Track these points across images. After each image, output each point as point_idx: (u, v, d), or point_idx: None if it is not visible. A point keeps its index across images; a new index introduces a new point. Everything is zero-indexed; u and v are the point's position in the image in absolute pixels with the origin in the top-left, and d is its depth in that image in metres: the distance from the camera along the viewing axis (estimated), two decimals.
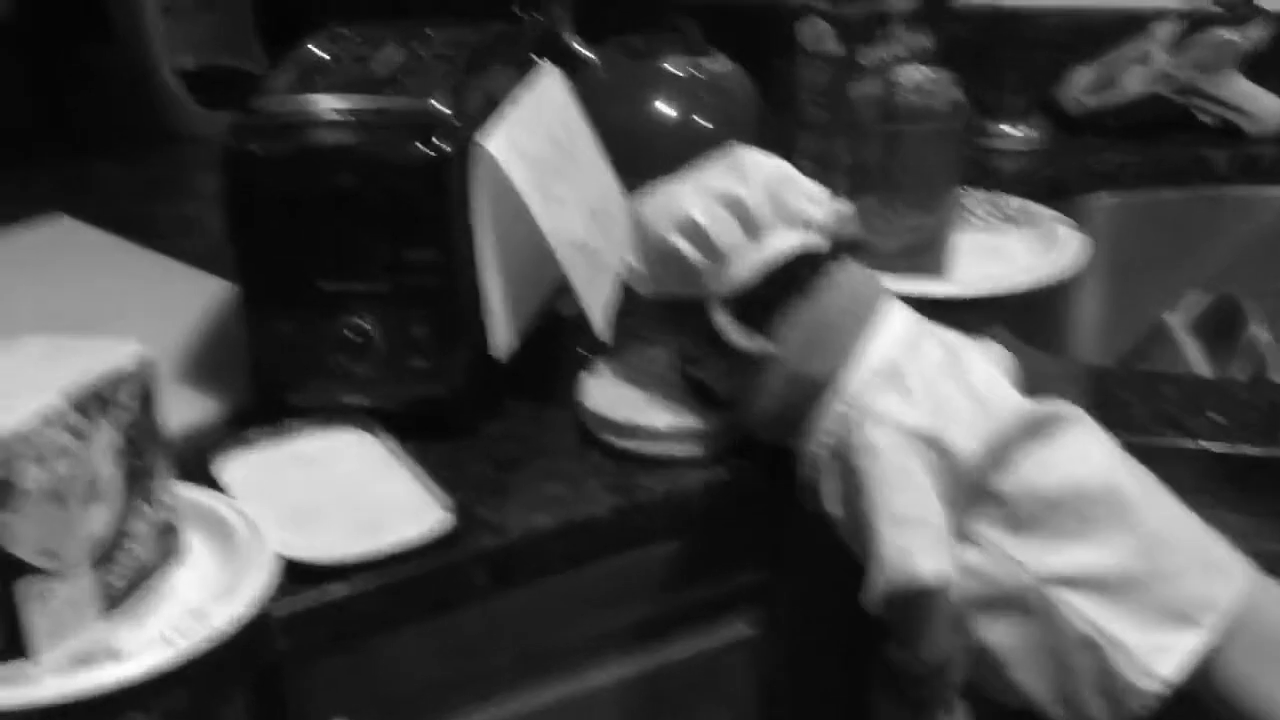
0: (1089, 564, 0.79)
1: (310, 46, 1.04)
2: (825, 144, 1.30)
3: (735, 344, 0.87)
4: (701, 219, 0.90)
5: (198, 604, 0.79)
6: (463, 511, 0.89)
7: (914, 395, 0.83)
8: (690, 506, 0.94)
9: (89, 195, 1.37)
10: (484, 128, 0.94)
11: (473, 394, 0.97)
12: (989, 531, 0.81)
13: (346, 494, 0.91)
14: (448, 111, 0.94)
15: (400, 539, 0.86)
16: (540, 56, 1.09)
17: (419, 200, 0.93)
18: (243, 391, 0.99)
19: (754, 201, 0.90)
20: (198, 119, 1.50)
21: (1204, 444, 0.96)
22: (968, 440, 0.81)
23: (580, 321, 1.06)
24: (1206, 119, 1.44)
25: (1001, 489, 0.80)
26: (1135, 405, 1.00)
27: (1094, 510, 0.79)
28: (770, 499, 0.96)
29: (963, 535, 0.81)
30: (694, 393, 0.94)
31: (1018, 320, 1.11)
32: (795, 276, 0.88)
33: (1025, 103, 1.46)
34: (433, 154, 0.92)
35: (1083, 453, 0.81)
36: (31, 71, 1.60)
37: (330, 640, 0.85)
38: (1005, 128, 1.44)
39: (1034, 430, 0.81)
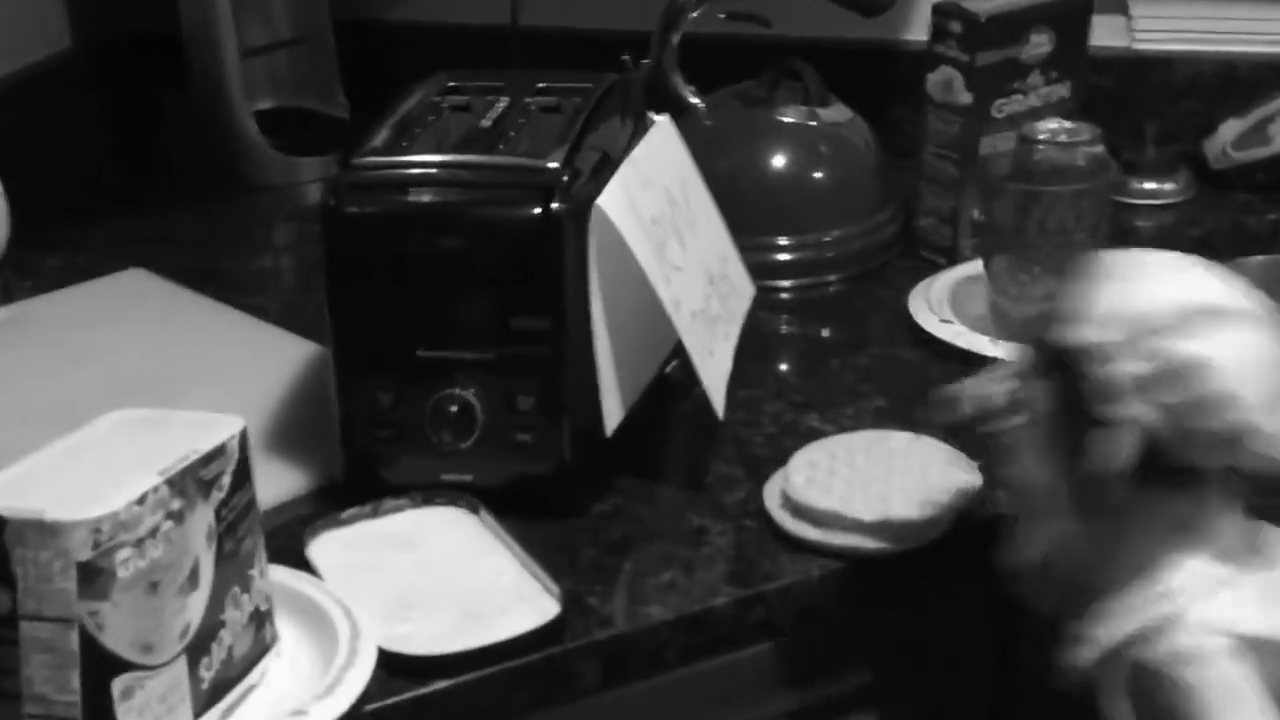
0: None
1: (410, 96, 1.05)
2: (952, 202, 1.29)
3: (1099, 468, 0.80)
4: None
5: (296, 702, 0.79)
6: (570, 600, 0.89)
7: (1245, 600, 0.82)
8: (816, 599, 0.93)
9: (164, 246, 1.39)
10: (598, 186, 0.95)
11: (580, 471, 0.97)
12: None
13: (446, 579, 0.91)
14: (560, 168, 0.94)
15: (506, 630, 0.86)
16: (652, 108, 1.09)
17: (529, 263, 0.93)
18: (332, 464, 1.00)
19: None
20: (276, 166, 1.52)
21: None
22: None
23: (689, 386, 1.07)
24: None
25: None
26: None
27: None
28: (907, 595, 0.95)
29: None
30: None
31: None
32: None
33: (1170, 157, 1.44)
34: (545, 214, 0.92)
35: None
36: (105, 118, 1.63)
37: None
38: (1148, 184, 1.42)
39: None
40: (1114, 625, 0.84)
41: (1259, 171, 1.43)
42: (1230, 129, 1.43)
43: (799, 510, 0.95)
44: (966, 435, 0.90)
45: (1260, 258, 1.38)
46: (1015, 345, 0.88)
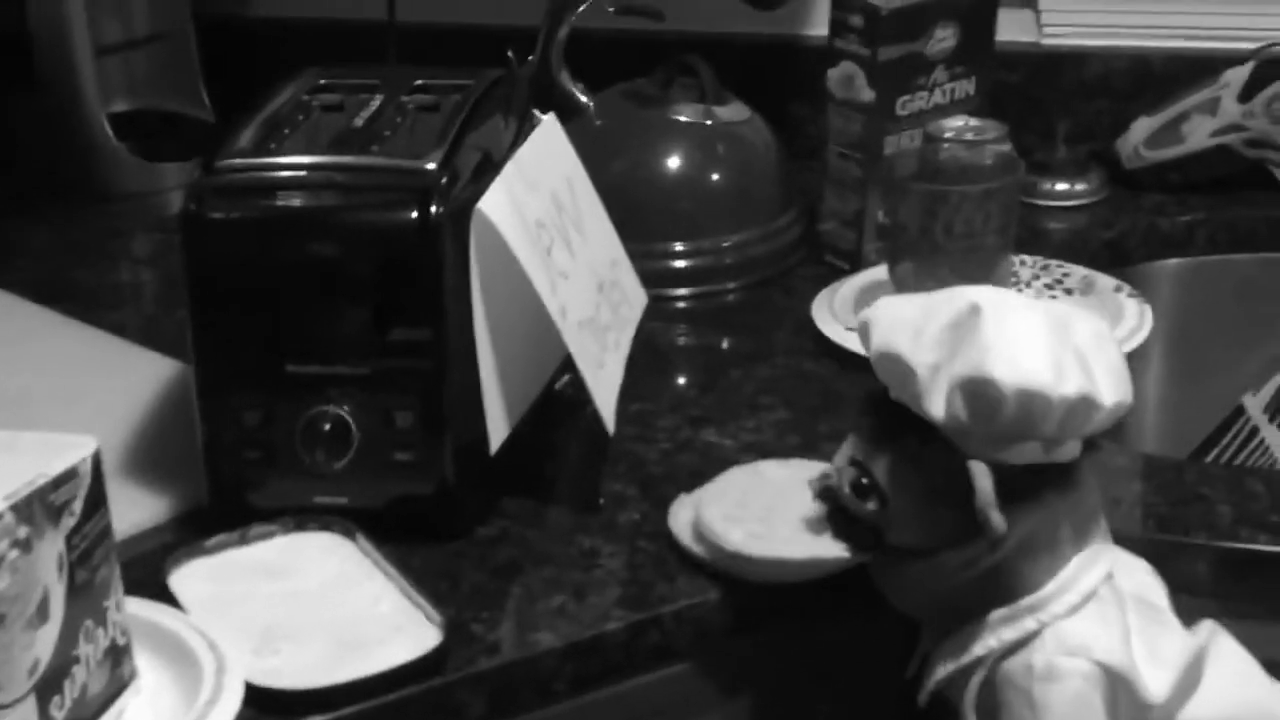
0: None
1: (279, 94, 1.05)
2: (856, 204, 1.31)
3: (983, 510, 0.83)
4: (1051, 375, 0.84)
5: None
6: (453, 628, 0.89)
7: (1110, 627, 0.86)
8: (714, 625, 0.94)
9: (11, 259, 1.37)
10: (479, 188, 0.95)
11: (463, 491, 0.98)
12: None
13: (320, 609, 0.91)
14: (438, 170, 0.94)
15: (384, 662, 0.86)
16: (538, 106, 1.10)
17: (406, 271, 0.93)
18: (196, 489, 0.99)
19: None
20: (133, 172, 1.50)
21: None
22: (1155, 680, 0.84)
23: (578, 402, 1.07)
24: None
25: None
26: (1219, 505, 1.01)
27: None
28: (811, 616, 0.97)
29: None
30: (833, 523, 0.91)
31: None
32: (1056, 469, 0.87)
33: (1081, 156, 1.47)
34: (422, 218, 0.92)
35: (1238, 674, 0.87)
36: None
37: None
38: (1059, 185, 1.45)
39: (1201, 663, 0.86)
40: (975, 640, 0.87)
41: (1172, 171, 1.46)
42: (1143, 127, 1.46)
43: (709, 546, 0.95)
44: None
45: (1174, 261, 1.41)
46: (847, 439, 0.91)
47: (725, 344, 1.26)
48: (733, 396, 1.16)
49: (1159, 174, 1.47)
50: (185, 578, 0.93)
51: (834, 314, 1.23)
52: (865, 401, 0.91)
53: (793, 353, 1.22)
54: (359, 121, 1.01)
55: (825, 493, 0.91)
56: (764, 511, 0.95)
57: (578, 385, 1.03)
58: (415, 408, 0.95)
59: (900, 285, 1.22)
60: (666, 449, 1.09)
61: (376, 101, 1.04)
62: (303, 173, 0.96)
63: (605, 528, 1.00)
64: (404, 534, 0.96)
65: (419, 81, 1.06)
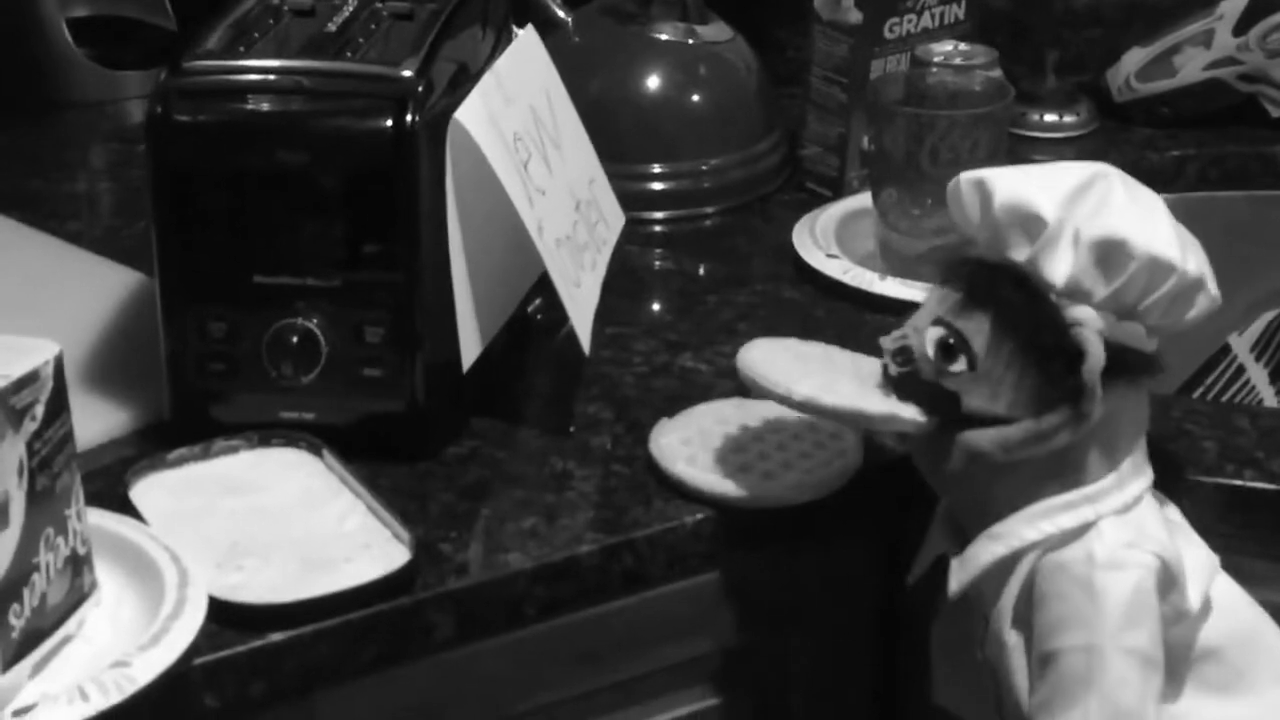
0: None
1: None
2: (840, 129, 1.32)
3: (1090, 376, 0.83)
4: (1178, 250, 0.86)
5: (118, 654, 0.79)
6: (422, 547, 0.89)
7: (1160, 529, 0.88)
8: (688, 551, 0.95)
9: None
10: (456, 99, 0.95)
11: (434, 409, 0.98)
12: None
13: (285, 525, 0.91)
14: (414, 78, 0.94)
15: (350, 579, 0.86)
16: (516, 20, 1.10)
17: (379, 181, 0.93)
18: (158, 402, 1.00)
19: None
20: (92, 80, 1.49)
21: None
22: (1192, 590, 0.87)
23: (552, 326, 1.08)
24: (1275, 110, 1.46)
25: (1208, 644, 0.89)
26: (1205, 441, 1.02)
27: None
28: (789, 545, 0.97)
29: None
30: (898, 387, 0.89)
31: None
32: (1143, 360, 0.88)
33: (1070, 87, 1.48)
34: (398, 127, 0.92)
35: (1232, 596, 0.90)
36: None
37: (268, 695, 0.85)
38: (1048, 116, 1.46)
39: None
40: (1029, 526, 0.87)
41: (1163, 105, 1.47)
42: (1134, 59, 1.46)
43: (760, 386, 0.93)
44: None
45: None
46: (931, 286, 0.91)
47: (703, 269, 1.27)
48: (710, 322, 1.16)
49: (1149, 107, 1.47)
50: (146, 491, 0.93)
51: (815, 240, 1.23)
52: (953, 263, 0.90)
53: (771, 279, 1.22)
54: (332, 27, 1.01)
55: (901, 353, 0.89)
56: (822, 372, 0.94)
57: (553, 307, 1.03)
58: (386, 322, 0.95)
59: (884, 213, 1.22)
60: (642, 373, 1.09)
61: (350, 7, 1.03)
62: (273, 77, 0.95)
63: (579, 450, 1.01)
64: (372, 452, 0.97)
65: None
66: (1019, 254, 0.86)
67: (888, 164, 1.22)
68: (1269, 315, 1.34)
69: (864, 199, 1.27)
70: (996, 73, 1.22)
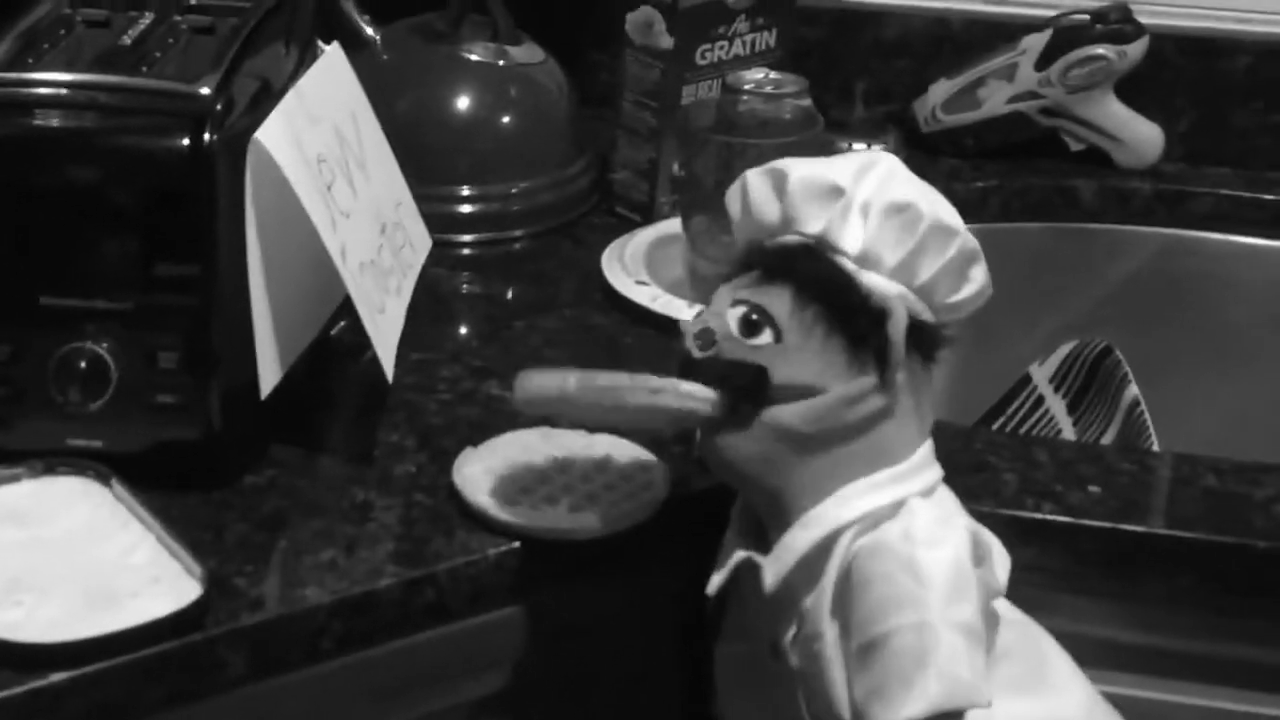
0: None
1: (37, 7, 1.01)
2: (651, 154, 1.31)
3: (894, 336, 0.86)
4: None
5: None
6: (215, 581, 0.87)
7: (962, 511, 0.90)
8: (491, 584, 0.93)
9: None
10: (257, 117, 0.93)
11: (231, 437, 0.96)
12: None
13: (69, 559, 0.88)
14: (212, 95, 0.92)
15: (138, 615, 0.83)
16: (321, 36, 1.08)
17: (175, 201, 0.91)
18: None
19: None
20: None
21: (1082, 520, 1.00)
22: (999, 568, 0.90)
23: (356, 349, 1.06)
24: (1074, 144, 1.50)
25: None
26: (1005, 472, 1.03)
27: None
28: (592, 575, 0.97)
29: None
30: (700, 374, 0.89)
31: None
32: (937, 338, 0.90)
33: (878, 117, 1.49)
34: (194, 146, 0.90)
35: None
36: None
37: None
38: (856, 145, 1.47)
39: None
40: (843, 506, 0.87)
41: (968, 137, 1.49)
42: (940, 90, 1.49)
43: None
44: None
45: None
46: (732, 268, 0.92)
47: (510, 293, 1.26)
48: (517, 347, 1.15)
49: (955, 138, 1.50)
50: None
51: (624, 267, 1.23)
52: (744, 252, 0.92)
53: (580, 304, 1.22)
54: (127, 40, 0.98)
55: (703, 334, 0.89)
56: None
57: (356, 331, 1.01)
58: (180, 347, 0.93)
59: (694, 239, 1.22)
60: (447, 400, 1.08)
61: (146, 20, 1.01)
62: (64, 91, 0.92)
63: (380, 479, 0.99)
64: (165, 481, 0.94)
65: (193, 0, 1.03)
66: (814, 227, 0.88)
67: (698, 190, 1.23)
68: (1067, 347, 1.37)
69: (674, 224, 1.26)
70: (806, 101, 1.23)
